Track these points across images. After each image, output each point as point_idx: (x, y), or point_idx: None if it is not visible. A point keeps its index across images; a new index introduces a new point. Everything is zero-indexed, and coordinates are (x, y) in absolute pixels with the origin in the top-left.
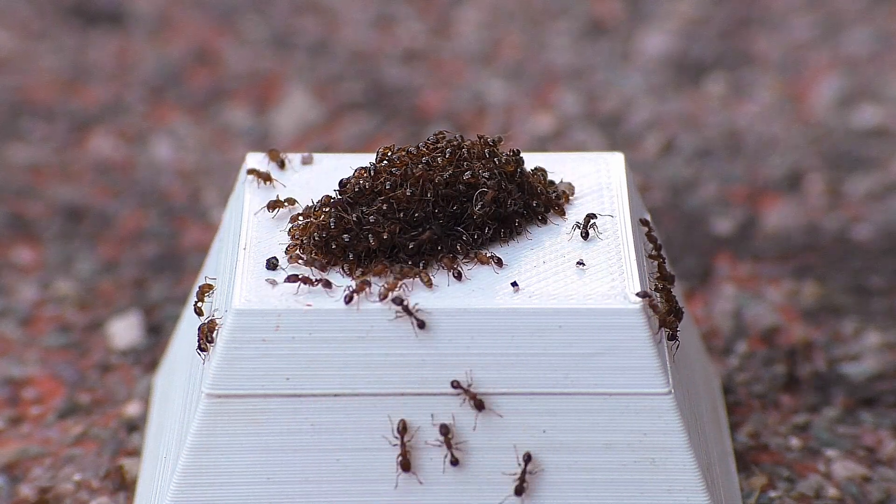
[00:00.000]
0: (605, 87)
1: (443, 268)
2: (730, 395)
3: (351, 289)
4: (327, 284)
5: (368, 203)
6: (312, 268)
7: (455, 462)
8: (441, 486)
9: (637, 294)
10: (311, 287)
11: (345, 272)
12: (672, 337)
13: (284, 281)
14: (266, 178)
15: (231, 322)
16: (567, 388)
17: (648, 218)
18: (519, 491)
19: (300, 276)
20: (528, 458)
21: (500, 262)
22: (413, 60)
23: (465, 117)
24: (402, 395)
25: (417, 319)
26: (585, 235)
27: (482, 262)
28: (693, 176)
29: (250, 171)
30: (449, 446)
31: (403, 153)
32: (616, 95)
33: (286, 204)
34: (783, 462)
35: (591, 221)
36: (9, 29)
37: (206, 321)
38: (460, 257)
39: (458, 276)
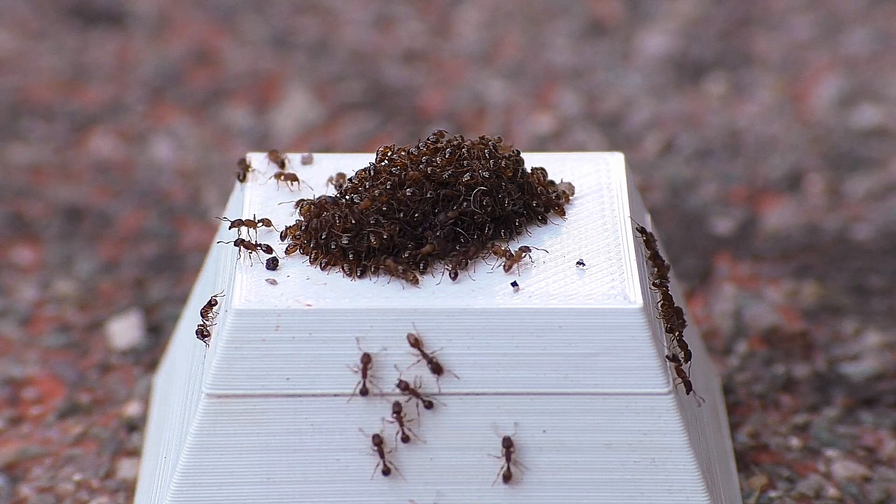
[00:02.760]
0: (605, 87)
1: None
2: (730, 395)
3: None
4: (268, 250)
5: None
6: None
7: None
8: (441, 485)
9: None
10: (253, 252)
11: (346, 272)
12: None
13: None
14: (293, 178)
15: (231, 322)
16: (567, 388)
17: (649, 219)
18: (507, 478)
19: (244, 242)
20: (508, 443)
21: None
22: (413, 60)
23: (465, 117)
24: (402, 395)
25: (424, 400)
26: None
27: (497, 255)
28: (693, 176)
29: (276, 175)
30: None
31: (403, 153)
32: (616, 95)
33: (260, 224)
34: (783, 462)
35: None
36: (9, 29)
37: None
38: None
39: (454, 276)
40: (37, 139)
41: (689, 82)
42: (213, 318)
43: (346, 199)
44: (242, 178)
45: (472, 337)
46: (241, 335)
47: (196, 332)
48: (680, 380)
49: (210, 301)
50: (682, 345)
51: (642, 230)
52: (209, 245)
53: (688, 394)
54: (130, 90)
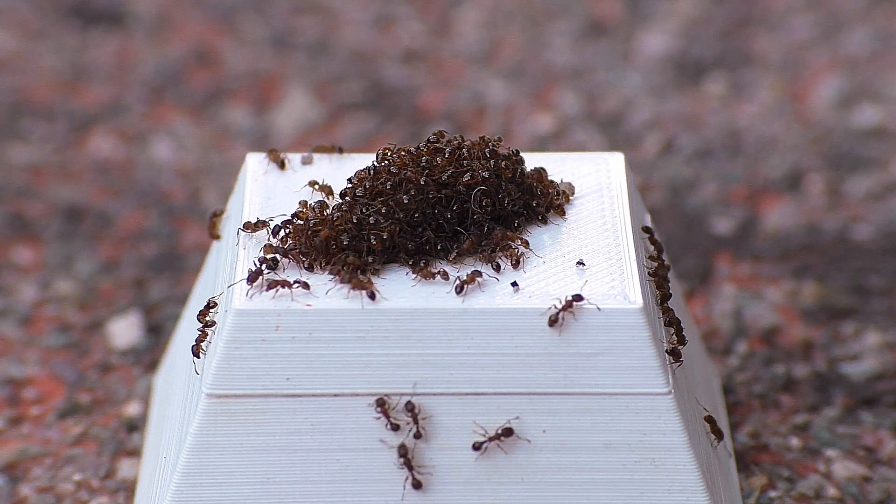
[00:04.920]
0: (605, 87)
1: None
2: (730, 395)
3: (461, 279)
4: (306, 286)
5: (368, 204)
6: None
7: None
8: (441, 485)
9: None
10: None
11: (345, 272)
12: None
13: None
14: (328, 191)
15: (231, 322)
16: (567, 388)
17: (649, 219)
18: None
19: (279, 281)
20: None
21: (517, 263)
22: (413, 60)
23: (465, 117)
24: (402, 395)
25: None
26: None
27: (510, 256)
28: (693, 176)
29: (311, 183)
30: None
31: (404, 153)
32: (616, 95)
33: (259, 227)
34: (783, 462)
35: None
36: (9, 29)
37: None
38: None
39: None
40: (37, 139)
41: (689, 82)
42: (208, 340)
43: (346, 200)
44: (213, 234)
45: (471, 337)
46: (241, 335)
47: (192, 348)
48: (710, 430)
49: (208, 303)
50: (674, 321)
51: (648, 229)
52: (209, 245)
53: (717, 444)
54: (130, 90)
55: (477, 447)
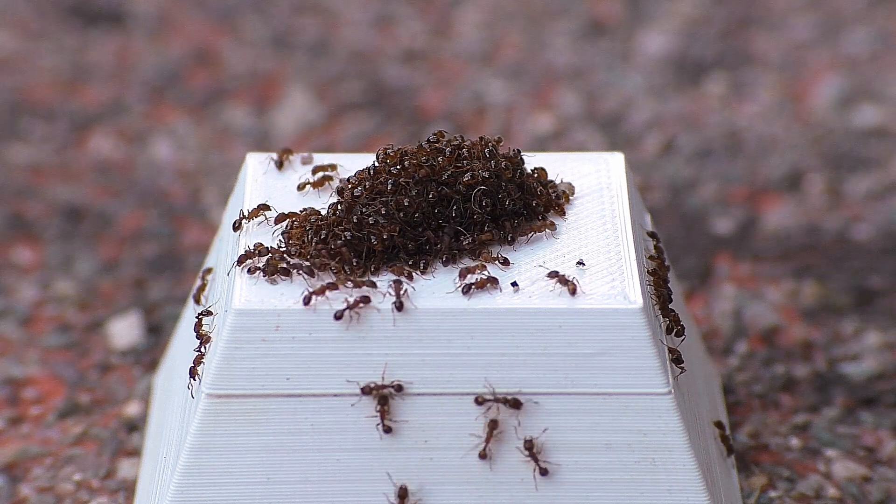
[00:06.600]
0: (605, 87)
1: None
2: (730, 395)
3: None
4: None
5: (368, 204)
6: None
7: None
8: (441, 486)
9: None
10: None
11: (346, 272)
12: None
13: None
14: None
15: (231, 322)
16: (567, 388)
17: (649, 220)
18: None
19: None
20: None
21: (506, 262)
22: (413, 60)
23: (465, 117)
24: (402, 395)
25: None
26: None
27: (487, 262)
28: (693, 176)
29: (303, 185)
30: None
31: (403, 153)
32: (616, 95)
33: (260, 211)
34: (783, 462)
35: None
36: (9, 29)
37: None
38: (466, 258)
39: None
40: (37, 139)
41: (689, 82)
42: (205, 359)
43: (344, 198)
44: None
45: (472, 337)
46: (241, 335)
47: (189, 370)
48: (724, 442)
49: (200, 313)
50: (674, 318)
51: (654, 234)
52: (209, 245)
53: (728, 456)
54: (130, 90)
55: (482, 456)
